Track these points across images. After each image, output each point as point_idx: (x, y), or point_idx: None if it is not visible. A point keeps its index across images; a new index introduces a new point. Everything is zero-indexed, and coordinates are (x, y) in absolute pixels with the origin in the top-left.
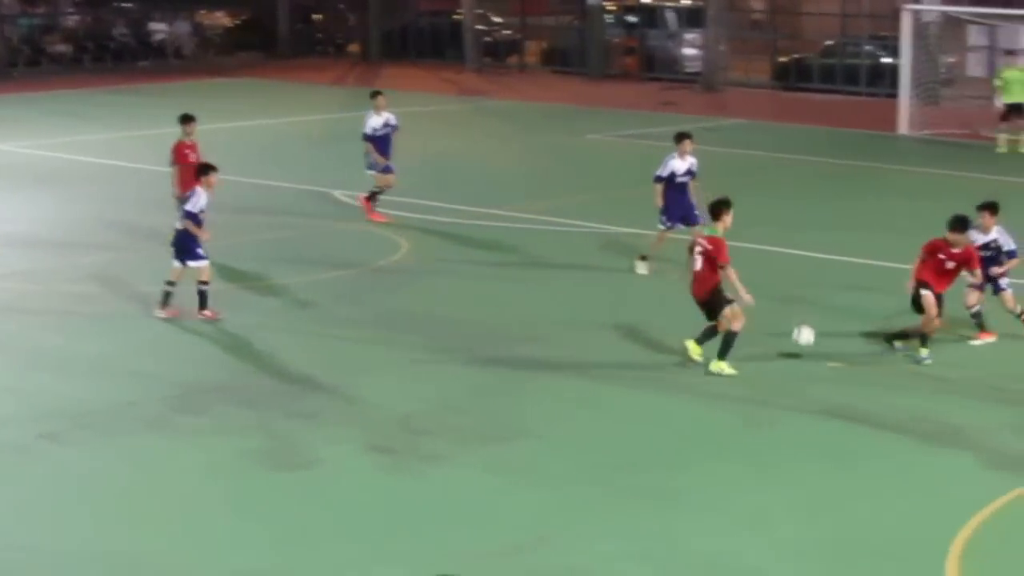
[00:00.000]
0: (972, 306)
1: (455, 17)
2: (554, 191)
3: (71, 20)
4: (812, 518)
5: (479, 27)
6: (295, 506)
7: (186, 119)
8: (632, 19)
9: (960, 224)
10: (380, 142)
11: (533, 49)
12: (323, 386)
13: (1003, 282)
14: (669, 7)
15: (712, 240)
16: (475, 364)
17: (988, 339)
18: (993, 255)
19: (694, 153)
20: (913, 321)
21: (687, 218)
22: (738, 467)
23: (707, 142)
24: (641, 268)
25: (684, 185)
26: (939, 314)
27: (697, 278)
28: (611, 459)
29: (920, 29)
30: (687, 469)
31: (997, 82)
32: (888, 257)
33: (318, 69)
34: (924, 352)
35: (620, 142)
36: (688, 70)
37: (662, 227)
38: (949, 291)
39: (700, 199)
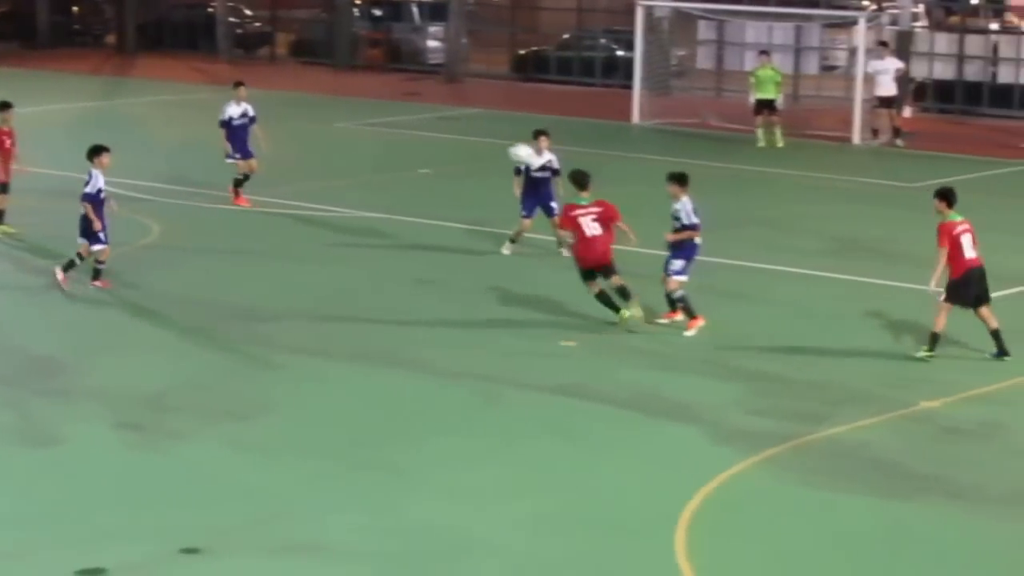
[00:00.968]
0: (673, 291)
1: (209, 10)
2: (302, 177)
3: None
4: (544, 492)
5: (231, 19)
6: (40, 483)
7: (3, 106)
8: (378, 12)
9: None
10: (238, 131)
11: (283, 41)
12: (71, 364)
13: (674, 266)
14: (415, 1)
15: (600, 203)
16: (220, 344)
17: (700, 323)
18: (678, 227)
19: (550, 149)
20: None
21: (545, 209)
22: (471, 442)
23: (447, 131)
24: (506, 249)
25: (541, 180)
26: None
27: (597, 243)
28: (348, 435)
29: (653, 23)
30: (421, 445)
31: (751, 79)
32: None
33: (76, 59)
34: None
35: (366, 130)
36: (431, 62)
37: (523, 216)
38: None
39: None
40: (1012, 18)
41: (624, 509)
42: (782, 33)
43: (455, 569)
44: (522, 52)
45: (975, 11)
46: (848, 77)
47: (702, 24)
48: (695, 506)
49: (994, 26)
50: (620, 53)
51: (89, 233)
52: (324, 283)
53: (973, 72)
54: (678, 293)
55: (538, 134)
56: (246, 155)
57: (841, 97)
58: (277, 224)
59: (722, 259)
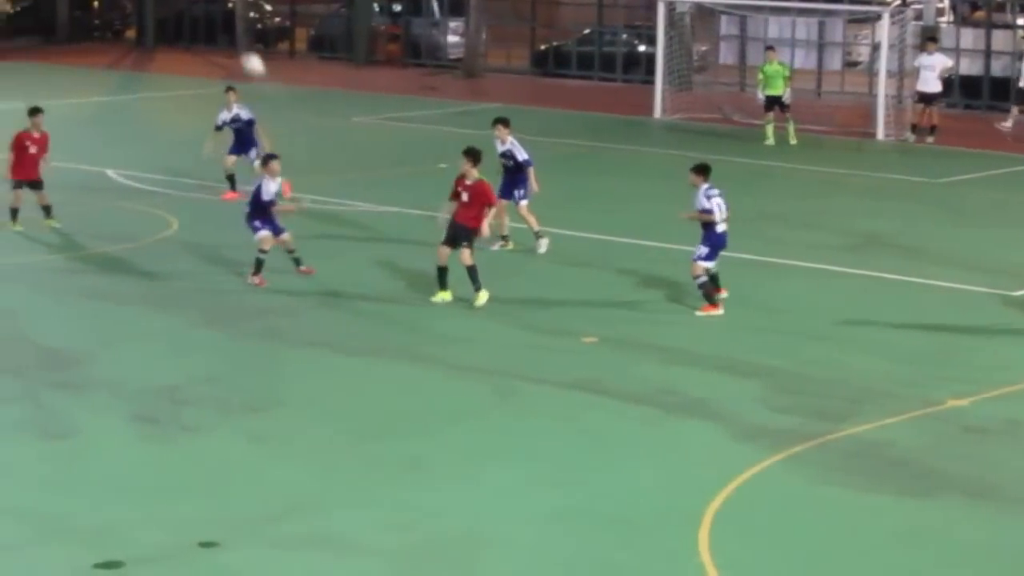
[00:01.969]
0: (698, 276)
1: (228, 5)
2: (320, 171)
3: None
4: (561, 488)
5: (251, 14)
6: (56, 475)
7: (33, 111)
8: (397, 7)
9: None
10: (235, 135)
11: (302, 36)
12: (89, 357)
13: (699, 252)
14: None
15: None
16: (235, 337)
17: (714, 312)
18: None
19: (504, 139)
20: None
21: (502, 194)
22: (487, 438)
23: (466, 125)
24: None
25: (504, 168)
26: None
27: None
28: (363, 428)
29: (675, 19)
30: (437, 439)
31: (759, 76)
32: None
33: (95, 54)
34: None
35: (384, 125)
36: (450, 57)
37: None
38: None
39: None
40: None
41: (644, 506)
42: (805, 28)
43: (470, 564)
44: (542, 47)
45: (1001, 6)
46: (871, 73)
47: (724, 19)
48: (717, 504)
49: (1021, 21)
50: (641, 48)
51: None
52: (340, 276)
53: (1000, 68)
54: (701, 279)
55: (496, 123)
56: (237, 153)
57: (863, 93)
58: (294, 218)
59: (744, 254)
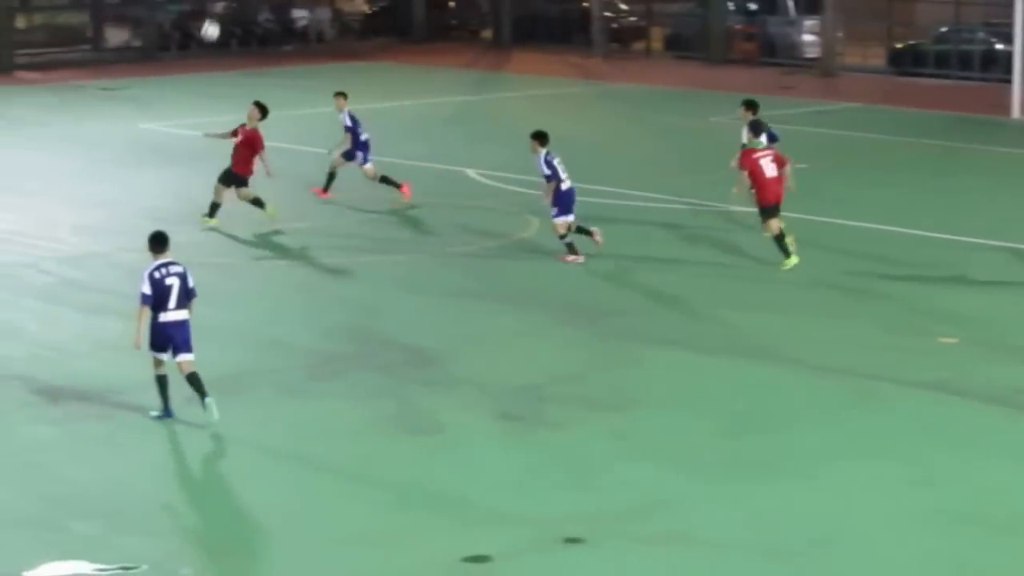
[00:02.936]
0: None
1: (584, 4)
2: (677, 171)
3: (219, 6)
4: (917, 489)
5: (606, 14)
6: (424, 470)
7: (261, 108)
8: (752, 6)
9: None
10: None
11: (657, 35)
12: (452, 355)
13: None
14: None
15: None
16: (595, 336)
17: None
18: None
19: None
20: None
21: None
22: (844, 438)
23: (822, 125)
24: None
25: None
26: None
27: (775, 183)
28: (722, 427)
29: None
30: (793, 438)
31: None
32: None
33: (451, 53)
34: None
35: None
36: (806, 55)
37: None
38: None
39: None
40: None
41: (1003, 506)
42: None
43: (824, 563)
44: (899, 46)
45: None
46: None
47: None
48: None
49: None
50: (999, 47)
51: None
52: (695, 277)
53: None
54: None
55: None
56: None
57: None
58: (651, 217)
59: None
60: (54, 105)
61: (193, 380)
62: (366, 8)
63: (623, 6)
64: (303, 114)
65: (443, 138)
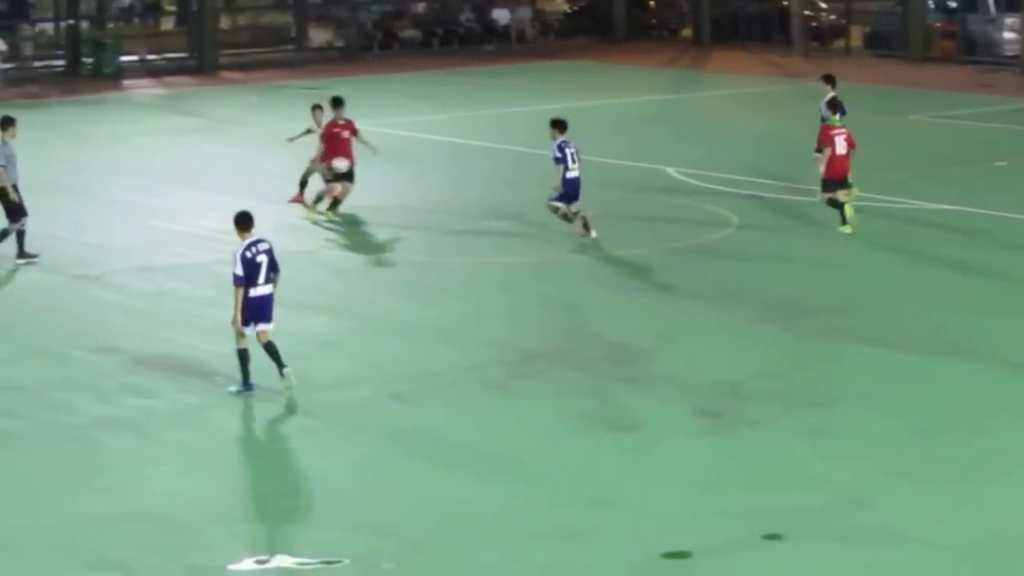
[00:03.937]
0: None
1: (783, 3)
2: (876, 169)
3: (420, 7)
4: None
5: (806, 12)
6: (625, 466)
7: (336, 102)
8: (953, 4)
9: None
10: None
11: (857, 33)
12: (652, 352)
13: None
14: None
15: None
16: (793, 333)
17: None
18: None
19: None
20: None
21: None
22: None
23: (1022, 122)
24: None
25: None
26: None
27: (843, 160)
28: (922, 424)
29: None
30: (996, 436)
31: None
32: None
33: (650, 52)
34: None
35: (939, 122)
36: (1007, 53)
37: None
38: None
39: None
40: None
41: None
42: None
43: None
44: None
45: None
46: None
47: None
48: None
49: None
50: None
51: None
52: (894, 275)
53: None
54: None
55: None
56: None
57: None
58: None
59: None
60: (257, 105)
61: (270, 349)
62: (566, 7)
63: (823, 4)
64: (503, 113)
65: (643, 136)
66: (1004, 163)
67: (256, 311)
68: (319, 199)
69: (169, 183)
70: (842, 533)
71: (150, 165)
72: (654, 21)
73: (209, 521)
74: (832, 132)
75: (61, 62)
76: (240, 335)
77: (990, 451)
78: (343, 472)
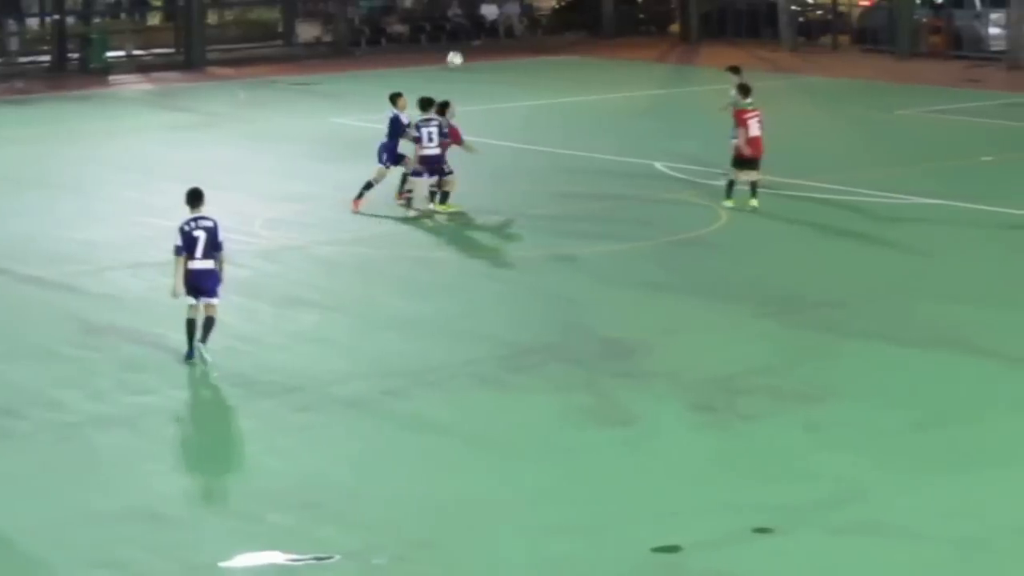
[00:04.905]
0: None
1: None
2: (865, 163)
3: (409, 2)
4: None
5: (793, 8)
6: (617, 461)
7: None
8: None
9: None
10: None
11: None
12: (647, 347)
13: None
14: None
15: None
16: (790, 328)
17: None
18: None
19: None
20: None
21: None
22: None
23: (1012, 118)
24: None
25: None
26: None
27: (757, 141)
28: (917, 418)
29: None
30: (992, 429)
31: None
32: None
33: (639, 48)
34: None
35: (927, 117)
36: (993, 48)
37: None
38: None
39: None
40: None
41: None
42: None
43: (1021, 554)
44: None
45: None
46: None
47: None
48: None
49: None
50: None
51: None
52: (887, 269)
53: None
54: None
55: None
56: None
57: None
58: (837, 210)
59: None
60: (246, 100)
61: (208, 323)
62: (554, 3)
63: (810, 0)
64: (494, 108)
65: (632, 132)
66: (990, 158)
67: (196, 283)
68: (444, 196)
69: (160, 179)
70: (838, 526)
71: (140, 161)
72: (642, 17)
73: (204, 518)
74: (746, 115)
75: (47, 58)
76: (188, 307)
77: (986, 444)
78: (338, 468)
